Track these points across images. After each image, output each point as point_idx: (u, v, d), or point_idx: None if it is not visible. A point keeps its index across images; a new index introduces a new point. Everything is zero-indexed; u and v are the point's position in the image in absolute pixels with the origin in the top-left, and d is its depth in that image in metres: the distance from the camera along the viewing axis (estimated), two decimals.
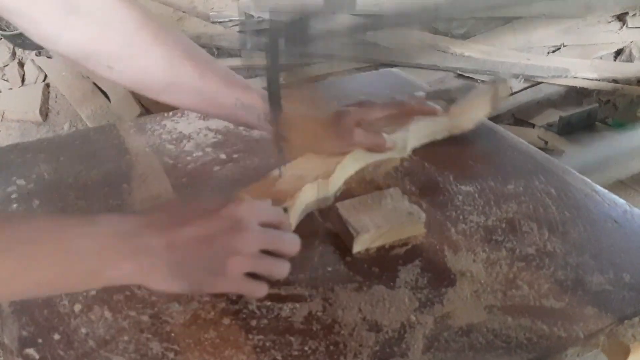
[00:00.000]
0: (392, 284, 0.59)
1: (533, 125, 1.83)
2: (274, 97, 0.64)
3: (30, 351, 0.52)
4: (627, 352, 0.56)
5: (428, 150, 0.82)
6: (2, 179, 0.76)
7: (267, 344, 0.52)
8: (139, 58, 0.67)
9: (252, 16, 2.15)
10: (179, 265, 0.51)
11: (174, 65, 0.67)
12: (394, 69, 1.10)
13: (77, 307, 0.56)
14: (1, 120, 2.03)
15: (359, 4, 0.67)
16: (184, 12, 2.21)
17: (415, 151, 0.82)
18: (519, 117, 1.97)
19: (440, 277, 0.61)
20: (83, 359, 0.51)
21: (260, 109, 0.69)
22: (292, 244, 0.57)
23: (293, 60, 0.64)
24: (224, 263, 0.52)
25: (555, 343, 0.54)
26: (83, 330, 0.54)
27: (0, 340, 0.54)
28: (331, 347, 0.52)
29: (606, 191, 0.75)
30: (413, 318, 0.55)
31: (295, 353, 0.52)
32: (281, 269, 0.56)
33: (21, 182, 0.75)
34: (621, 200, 0.73)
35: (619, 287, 0.60)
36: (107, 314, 0.56)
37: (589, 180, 0.77)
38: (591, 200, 0.73)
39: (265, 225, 0.55)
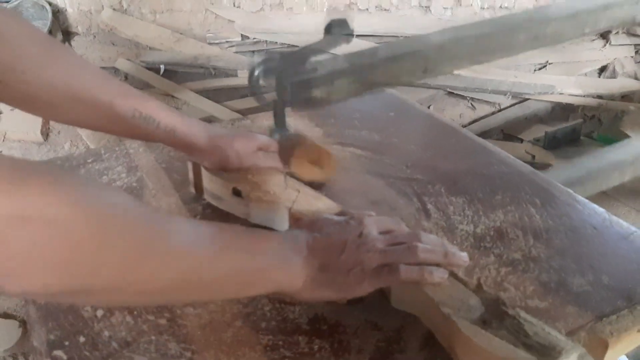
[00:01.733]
0: (389, 288, 0.64)
1: (521, 140, 1.90)
2: (280, 122, 0.70)
3: (59, 353, 0.56)
4: (605, 346, 0.61)
5: (422, 166, 0.88)
6: None
7: (277, 344, 0.57)
8: (32, 71, 0.62)
9: (248, 37, 2.22)
10: (323, 273, 0.56)
11: (69, 80, 0.65)
12: (389, 91, 1.16)
13: (100, 313, 0.61)
14: (3, 141, 2.07)
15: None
16: (181, 34, 2.27)
17: (411, 164, 0.88)
18: (508, 133, 2.03)
19: None
20: (108, 359, 0.56)
21: (158, 118, 0.69)
22: (411, 235, 0.61)
23: (295, 89, 0.70)
24: (359, 263, 0.57)
25: None
26: (106, 333, 0.58)
27: (30, 343, 0.59)
28: (336, 345, 0.57)
29: (587, 201, 0.80)
30: (410, 319, 0.60)
31: (303, 351, 0.57)
32: (409, 253, 0.58)
33: None
34: (601, 209, 0.79)
35: (598, 288, 0.65)
36: (128, 318, 0.60)
37: (571, 191, 0.83)
38: (573, 209, 0.79)
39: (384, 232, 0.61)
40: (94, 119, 0.68)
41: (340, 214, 0.65)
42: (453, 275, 0.59)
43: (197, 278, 0.49)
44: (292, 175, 0.73)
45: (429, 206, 0.79)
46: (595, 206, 0.79)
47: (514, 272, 0.67)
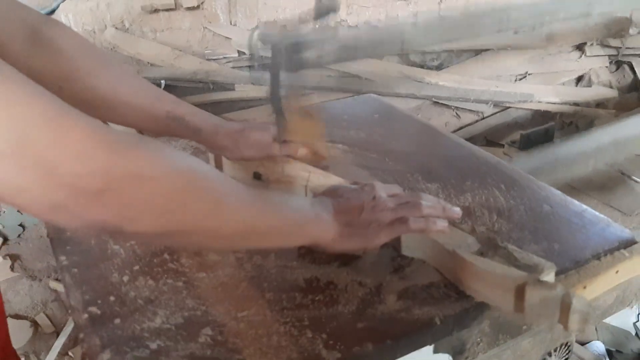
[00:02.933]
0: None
1: (502, 145, 2.02)
2: (277, 107, 0.80)
3: (93, 309, 0.67)
4: None
5: (403, 159, 1.00)
6: None
7: (278, 298, 0.68)
8: (86, 80, 0.75)
9: (244, 53, 2.34)
10: (348, 228, 0.69)
11: (116, 87, 0.77)
12: (372, 95, 1.28)
13: (126, 278, 0.72)
14: None
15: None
16: (180, 51, 2.37)
17: (392, 158, 0.99)
18: (490, 139, 2.16)
19: None
20: (135, 312, 0.66)
21: (189, 121, 0.81)
22: (414, 196, 0.74)
23: (290, 79, 0.81)
24: (376, 219, 0.70)
25: None
26: (132, 293, 0.69)
27: (67, 303, 0.70)
28: (327, 298, 0.68)
29: (545, 184, 0.92)
30: (388, 278, 0.71)
31: (301, 303, 0.68)
32: (415, 209, 0.72)
33: None
34: (557, 191, 0.91)
35: (550, 254, 0.77)
36: (150, 282, 0.71)
37: (532, 177, 0.94)
38: (532, 191, 0.90)
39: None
40: (136, 119, 0.81)
41: (354, 183, 0.78)
42: (451, 223, 0.73)
43: (253, 227, 0.61)
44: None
45: (408, 191, 0.90)
46: (553, 189, 0.91)
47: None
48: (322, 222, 0.68)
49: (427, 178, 0.94)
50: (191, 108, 0.83)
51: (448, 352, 0.74)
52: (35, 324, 1.77)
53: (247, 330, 0.64)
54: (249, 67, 2.41)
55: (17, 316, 1.78)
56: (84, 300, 0.68)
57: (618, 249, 0.78)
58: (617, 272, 0.77)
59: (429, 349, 0.70)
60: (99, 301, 0.68)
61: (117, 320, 0.65)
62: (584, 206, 0.87)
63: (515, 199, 0.88)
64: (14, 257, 1.84)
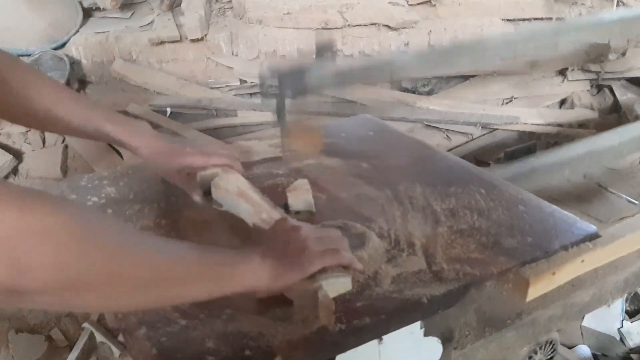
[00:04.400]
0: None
1: (488, 164, 2.14)
2: (281, 111, 0.92)
3: None
4: (527, 284, 0.82)
5: (394, 170, 1.11)
6: (81, 198, 1.02)
7: None
8: (32, 103, 0.85)
9: (246, 82, 2.46)
10: (280, 261, 0.70)
11: (54, 107, 0.87)
12: (367, 115, 1.41)
13: None
14: (26, 178, 2.28)
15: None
16: (185, 80, 2.48)
17: (385, 169, 1.11)
18: (479, 159, 2.28)
19: (402, 243, 0.88)
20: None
21: (114, 137, 0.90)
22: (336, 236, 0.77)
23: (294, 97, 0.93)
24: (306, 247, 0.71)
25: (477, 277, 0.81)
26: None
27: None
28: None
29: (521, 189, 1.04)
30: (383, 267, 0.82)
31: None
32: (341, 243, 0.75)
33: (94, 199, 1.02)
34: (531, 195, 1.02)
35: (523, 245, 0.88)
36: None
37: (509, 183, 1.06)
38: (509, 194, 1.02)
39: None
40: (73, 132, 0.92)
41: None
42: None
43: (167, 273, 0.60)
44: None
45: (400, 196, 1.02)
46: (528, 192, 1.03)
47: (461, 237, 0.90)
48: (252, 262, 0.68)
49: (416, 185, 1.05)
50: (120, 125, 0.90)
51: (437, 337, 0.85)
52: (49, 339, 1.86)
53: (259, 308, 0.75)
54: (252, 94, 2.52)
55: (32, 331, 1.86)
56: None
57: (584, 241, 0.90)
58: (582, 261, 0.88)
59: (420, 331, 0.80)
60: None
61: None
62: (554, 207, 0.99)
63: (494, 201, 0.99)
64: None
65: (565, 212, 0.96)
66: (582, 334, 1.75)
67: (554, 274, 0.85)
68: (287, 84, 0.90)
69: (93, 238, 0.53)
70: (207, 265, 0.65)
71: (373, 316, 0.73)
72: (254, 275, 0.68)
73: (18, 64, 0.89)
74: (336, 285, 0.72)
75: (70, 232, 0.50)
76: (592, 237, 0.91)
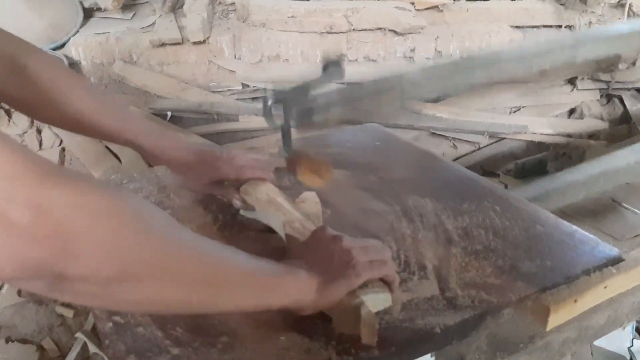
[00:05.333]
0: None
1: (498, 175, 2.09)
2: (287, 142, 0.87)
3: (117, 318, 0.72)
4: (547, 311, 0.77)
5: (404, 183, 1.05)
6: None
7: None
8: (57, 106, 0.83)
9: (248, 86, 2.41)
10: (327, 274, 0.66)
11: (84, 112, 0.84)
12: (374, 124, 1.35)
13: None
14: None
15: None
16: (186, 83, 2.44)
17: (392, 181, 1.05)
18: (486, 169, 2.23)
19: (412, 265, 0.82)
20: (156, 322, 0.71)
21: (145, 151, 0.89)
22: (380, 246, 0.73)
23: (300, 116, 0.88)
24: (352, 258, 0.67)
25: (493, 305, 0.75)
26: None
27: (93, 311, 0.74)
28: None
29: (538, 207, 0.98)
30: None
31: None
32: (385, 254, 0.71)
33: None
34: (550, 214, 0.96)
35: (542, 270, 0.82)
36: None
37: (525, 199, 1.00)
38: (527, 213, 0.96)
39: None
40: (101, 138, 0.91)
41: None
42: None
43: (217, 273, 0.57)
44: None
45: (409, 213, 0.96)
46: (545, 211, 0.97)
47: (476, 259, 0.84)
48: (298, 275, 0.65)
49: (427, 200, 0.99)
50: (153, 138, 0.88)
51: None
52: (41, 349, 1.80)
53: (259, 336, 0.69)
54: (254, 98, 2.47)
55: (23, 340, 1.81)
56: (108, 310, 0.73)
57: (606, 265, 0.84)
58: (605, 287, 0.82)
59: (427, 357, 0.75)
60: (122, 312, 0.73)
61: (140, 329, 0.70)
62: (575, 227, 0.93)
63: (510, 220, 0.93)
64: None
65: (587, 234, 0.90)
66: (592, 353, 1.68)
67: (575, 301, 0.79)
68: (292, 108, 0.85)
69: (147, 226, 0.50)
70: (255, 273, 0.62)
71: (382, 348, 0.67)
72: (300, 289, 0.65)
73: (50, 61, 0.85)
74: (376, 302, 0.67)
75: (124, 218, 0.48)
76: (615, 260, 0.85)
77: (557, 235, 0.90)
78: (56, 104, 0.82)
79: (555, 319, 0.78)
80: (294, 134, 0.84)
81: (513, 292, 0.77)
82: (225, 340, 0.69)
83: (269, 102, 0.83)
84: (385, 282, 0.70)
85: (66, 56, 2.33)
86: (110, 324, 0.71)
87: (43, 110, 0.84)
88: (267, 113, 0.84)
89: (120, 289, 0.49)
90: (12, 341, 1.79)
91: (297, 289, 0.65)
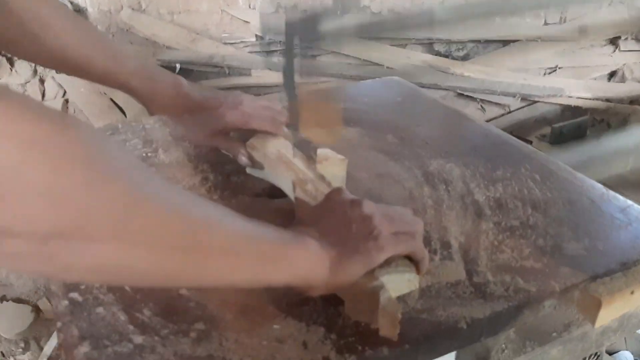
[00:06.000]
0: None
1: (530, 142, 1.92)
2: (289, 86, 0.72)
3: (75, 295, 0.60)
4: (598, 305, 0.63)
5: (427, 145, 0.91)
6: None
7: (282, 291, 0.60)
8: (46, 41, 0.73)
9: (262, 38, 2.26)
10: (343, 247, 0.53)
11: (78, 47, 0.74)
12: (396, 77, 1.19)
13: None
14: None
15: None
16: (197, 34, 2.31)
17: (414, 143, 0.91)
18: (516, 135, 2.06)
19: (434, 242, 0.68)
20: (121, 301, 0.59)
21: (139, 95, 0.78)
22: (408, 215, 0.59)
23: (305, 54, 0.73)
24: (373, 229, 0.54)
25: (532, 295, 0.61)
26: None
27: (47, 287, 0.62)
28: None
29: (585, 177, 0.83)
30: None
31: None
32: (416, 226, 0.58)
33: None
34: (598, 185, 0.81)
35: (592, 253, 0.68)
36: None
37: (570, 168, 0.85)
38: (571, 184, 0.81)
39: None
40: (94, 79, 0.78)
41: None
42: None
43: (202, 238, 0.44)
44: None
45: (432, 179, 0.82)
46: (594, 182, 0.82)
47: (512, 236, 0.70)
48: (307, 246, 0.52)
49: (453, 166, 0.85)
50: (146, 82, 0.78)
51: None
52: (37, 309, 1.72)
53: (246, 326, 0.56)
54: (268, 52, 2.34)
55: (19, 300, 1.73)
56: (66, 285, 0.61)
57: None
58: None
59: (451, 355, 0.62)
60: (82, 286, 0.61)
61: (100, 310, 0.58)
62: (629, 201, 0.78)
63: (552, 191, 0.79)
64: None
65: None
66: (625, 339, 1.55)
67: (632, 292, 0.65)
68: (296, 37, 0.69)
69: (104, 167, 0.37)
70: (253, 238, 0.48)
71: (393, 345, 0.54)
72: (310, 263, 0.52)
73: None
74: (400, 283, 0.54)
75: (71, 152, 0.35)
76: None
77: (608, 210, 0.76)
78: (38, 37, 0.72)
79: (607, 314, 0.64)
80: (298, 78, 0.70)
81: (556, 279, 0.63)
82: (201, 327, 0.56)
83: (268, 36, 0.68)
84: (412, 260, 0.57)
85: (71, 2, 2.21)
86: (66, 302, 0.59)
87: (23, 44, 0.73)
88: (266, 49, 0.69)
89: (63, 249, 0.36)
90: (7, 300, 1.71)
91: (306, 262, 0.51)
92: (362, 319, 0.56)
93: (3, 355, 1.61)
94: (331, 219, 0.57)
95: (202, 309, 0.58)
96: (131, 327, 0.56)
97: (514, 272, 0.64)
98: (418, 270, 0.57)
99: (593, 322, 0.64)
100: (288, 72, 0.69)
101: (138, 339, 0.54)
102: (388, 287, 0.53)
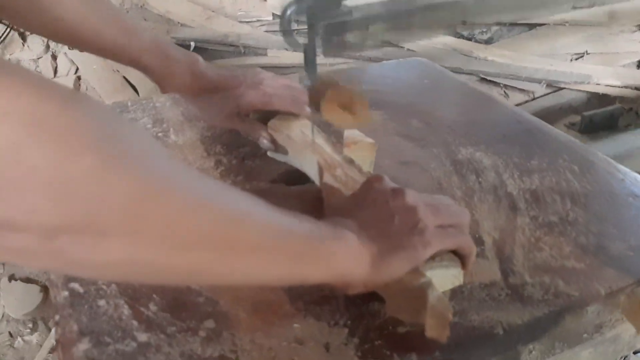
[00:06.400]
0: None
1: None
2: (310, 66, 0.67)
3: (75, 285, 0.55)
4: None
5: (456, 131, 0.85)
6: None
7: (301, 290, 0.55)
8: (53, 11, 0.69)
9: (280, 16, 2.20)
10: (384, 240, 0.49)
11: (84, 19, 0.70)
12: (422, 58, 1.13)
13: None
14: None
15: None
16: (213, 11, 2.26)
17: (442, 128, 0.85)
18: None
19: None
20: (125, 293, 0.54)
21: (150, 73, 0.75)
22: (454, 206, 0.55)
23: (328, 34, 0.67)
24: (418, 222, 0.50)
25: (574, 300, 0.56)
26: None
27: (47, 276, 0.58)
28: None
29: (628, 170, 0.77)
30: None
31: (328, 294, 0.54)
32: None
33: None
34: None
35: (639, 253, 0.62)
36: None
37: (611, 159, 0.79)
38: (613, 177, 0.75)
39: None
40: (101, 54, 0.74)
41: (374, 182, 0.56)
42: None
43: (231, 232, 0.39)
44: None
45: (462, 169, 0.76)
46: (638, 175, 0.76)
47: (550, 233, 0.64)
48: (347, 240, 0.47)
49: (484, 154, 0.79)
50: (158, 60, 0.74)
51: None
52: (45, 289, 1.69)
53: (262, 325, 0.51)
54: (283, 32, 2.27)
55: (27, 280, 1.70)
56: (66, 275, 0.56)
57: None
58: None
59: None
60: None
61: (102, 303, 0.53)
62: None
63: (593, 185, 0.73)
64: None
65: None
66: None
67: None
68: (318, 22, 0.63)
69: (118, 151, 0.32)
70: (288, 234, 0.43)
71: (422, 352, 0.49)
72: (350, 259, 0.47)
73: None
74: (445, 280, 0.51)
75: (81, 135, 0.30)
76: None
77: None
78: (48, 9, 0.67)
79: None
80: (320, 57, 0.65)
81: (600, 282, 0.58)
82: (211, 326, 0.51)
83: (289, 12, 0.63)
84: (456, 254, 0.52)
85: None
86: (66, 292, 0.54)
87: (33, 16, 0.68)
88: (286, 27, 0.64)
89: (73, 245, 0.32)
90: (16, 280, 1.69)
91: (345, 258, 0.47)
92: (406, 318, 0.51)
93: (11, 335, 1.59)
94: (371, 210, 0.52)
95: (214, 305, 0.53)
96: (135, 323, 0.51)
97: (553, 273, 0.58)
98: (463, 265, 0.52)
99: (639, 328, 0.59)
100: (309, 51, 0.63)
101: (142, 337, 0.50)
102: (434, 282, 0.48)
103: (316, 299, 0.54)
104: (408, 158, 0.78)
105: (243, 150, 0.79)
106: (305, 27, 0.62)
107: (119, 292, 0.54)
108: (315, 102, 0.66)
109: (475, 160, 0.78)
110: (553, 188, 0.72)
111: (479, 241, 0.62)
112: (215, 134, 0.82)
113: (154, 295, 0.54)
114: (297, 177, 0.71)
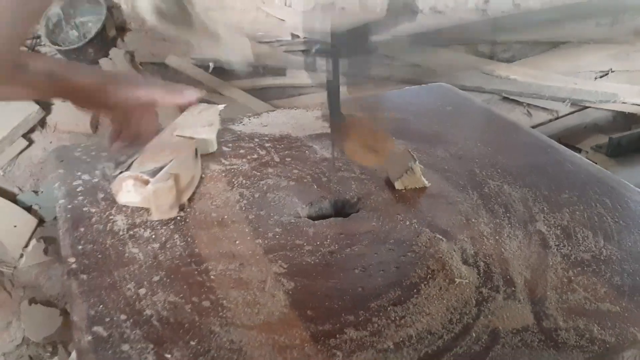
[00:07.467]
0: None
1: (579, 150, 1.81)
2: (334, 106, 0.66)
3: (99, 329, 0.54)
4: None
5: (481, 161, 0.83)
6: (69, 174, 0.80)
7: (322, 325, 0.54)
8: None
9: (299, 37, 2.20)
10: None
11: None
12: (444, 84, 1.12)
13: (142, 291, 0.59)
14: (54, 131, 2.11)
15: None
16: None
17: (467, 158, 0.83)
18: (565, 142, 1.95)
19: (496, 278, 0.61)
20: (149, 338, 0.53)
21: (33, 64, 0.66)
22: None
23: (353, 70, 0.65)
24: None
25: (612, 345, 0.53)
26: (148, 312, 0.56)
27: (71, 318, 0.57)
28: (375, 326, 0.53)
29: None
30: (470, 320, 0.56)
31: (348, 322, 0.53)
32: None
33: (85, 177, 0.79)
34: None
35: None
36: (171, 297, 0.58)
37: None
38: None
39: None
40: None
41: None
42: None
43: None
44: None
45: (489, 202, 0.74)
46: None
47: (583, 273, 0.62)
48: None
49: (512, 186, 0.77)
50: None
51: None
52: (65, 313, 1.69)
53: None
54: (304, 51, 2.28)
55: (48, 303, 1.70)
56: (89, 317, 0.55)
57: None
58: None
59: None
60: (107, 319, 0.55)
61: (126, 347, 0.52)
62: None
63: (626, 220, 0.70)
64: (48, 240, 1.76)
65: None
66: None
67: None
68: (343, 58, 0.62)
69: None
70: None
71: None
72: None
73: None
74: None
75: None
76: None
77: None
78: None
79: None
80: (344, 93, 0.63)
81: (637, 325, 0.55)
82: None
83: (314, 49, 0.62)
84: None
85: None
86: (89, 337, 0.53)
87: None
88: (310, 63, 0.63)
89: None
90: (36, 303, 1.69)
91: None
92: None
93: (31, 358, 1.58)
94: None
95: (238, 352, 0.52)
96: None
97: (588, 317, 0.56)
98: None
99: None
100: (333, 87, 0.62)
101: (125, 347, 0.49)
102: None
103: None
104: (434, 190, 0.77)
105: (264, 183, 0.78)
106: (330, 63, 0.61)
107: (142, 337, 0.53)
108: (339, 139, 0.64)
109: (503, 193, 0.76)
110: (584, 224, 0.70)
111: (509, 282, 0.60)
112: (237, 169, 0.82)
113: (178, 340, 0.53)
114: (320, 215, 0.70)
